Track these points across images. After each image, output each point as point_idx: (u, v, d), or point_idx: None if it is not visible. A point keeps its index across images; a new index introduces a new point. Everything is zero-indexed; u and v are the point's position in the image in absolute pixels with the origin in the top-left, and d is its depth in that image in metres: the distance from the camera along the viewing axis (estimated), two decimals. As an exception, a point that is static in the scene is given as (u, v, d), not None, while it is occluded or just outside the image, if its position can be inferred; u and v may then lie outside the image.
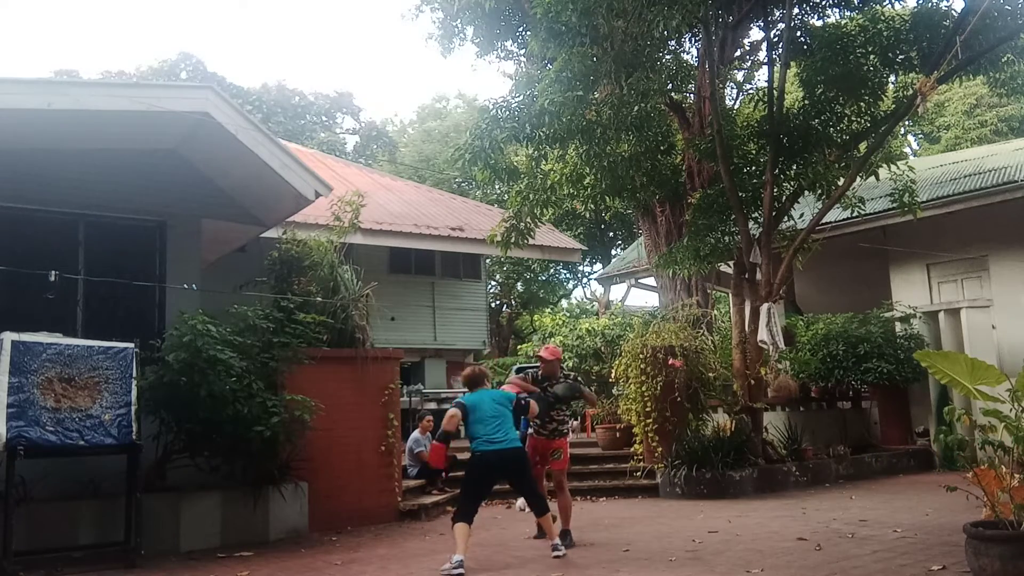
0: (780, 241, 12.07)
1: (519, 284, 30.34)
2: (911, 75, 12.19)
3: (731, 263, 12.33)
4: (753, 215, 11.96)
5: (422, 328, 17.12)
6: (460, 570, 6.00)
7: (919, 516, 7.72)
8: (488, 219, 17.17)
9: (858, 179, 11.51)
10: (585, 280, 32.19)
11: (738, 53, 15.87)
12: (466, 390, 7.04)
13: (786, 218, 12.17)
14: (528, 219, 12.78)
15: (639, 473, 10.66)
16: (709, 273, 13.69)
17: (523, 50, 16.06)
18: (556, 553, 6.53)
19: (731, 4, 13.25)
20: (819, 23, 12.89)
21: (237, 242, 10.65)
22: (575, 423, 7.12)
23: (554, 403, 7.47)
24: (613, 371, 11.45)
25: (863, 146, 11.92)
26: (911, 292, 14.22)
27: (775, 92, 11.54)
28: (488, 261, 20.36)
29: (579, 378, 8.47)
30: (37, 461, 6.55)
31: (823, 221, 11.78)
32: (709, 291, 15.25)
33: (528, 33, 13.50)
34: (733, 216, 11.71)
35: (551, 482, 7.65)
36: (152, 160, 8.67)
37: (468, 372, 7.12)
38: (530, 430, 7.55)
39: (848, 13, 13.02)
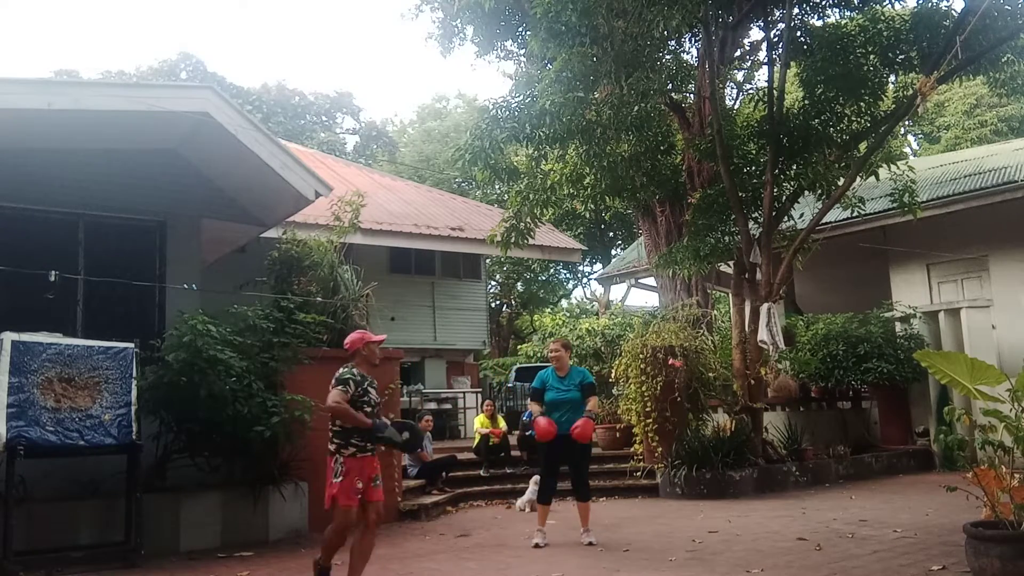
0: (780, 241, 12.06)
1: (519, 284, 30.35)
2: (911, 75, 12.19)
3: (731, 263, 12.33)
4: (753, 215, 11.95)
5: (422, 328, 17.13)
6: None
7: (919, 516, 7.72)
8: (488, 219, 17.17)
9: (858, 179, 11.51)
10: (585, 280, 32.23)
11: (738, 53, 15.87)
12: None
13: (786, 218, 12.16)
14: (528, 219, 12.78)
15: (639, 473, 10.66)
16: (709, 273, 13.68)
17: (523, 50, 16.06)
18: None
19: (731, 4, 13.24)
20: (819, 23, 12.87)
21: (237, 242, 10.65)
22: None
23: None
24: (613, 371, 11.44)
25: (863, 146, 11.91)
26: (911, 292, 14.21)
27: (775, 92, 11.53)
28: (488, 261, 20.37)
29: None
30: (37, 461, 6.55)
31: (823, 221, 11.77)
32: (709, 291, 15.25)
33: (528, 33, 13.48)
34: (733, 216, 11.70)
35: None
36: (152, 160, 8.67)
37: (565, 341, 7.76)
38: (350, 449, 5.34)
39: (848, 13, 13.00)
